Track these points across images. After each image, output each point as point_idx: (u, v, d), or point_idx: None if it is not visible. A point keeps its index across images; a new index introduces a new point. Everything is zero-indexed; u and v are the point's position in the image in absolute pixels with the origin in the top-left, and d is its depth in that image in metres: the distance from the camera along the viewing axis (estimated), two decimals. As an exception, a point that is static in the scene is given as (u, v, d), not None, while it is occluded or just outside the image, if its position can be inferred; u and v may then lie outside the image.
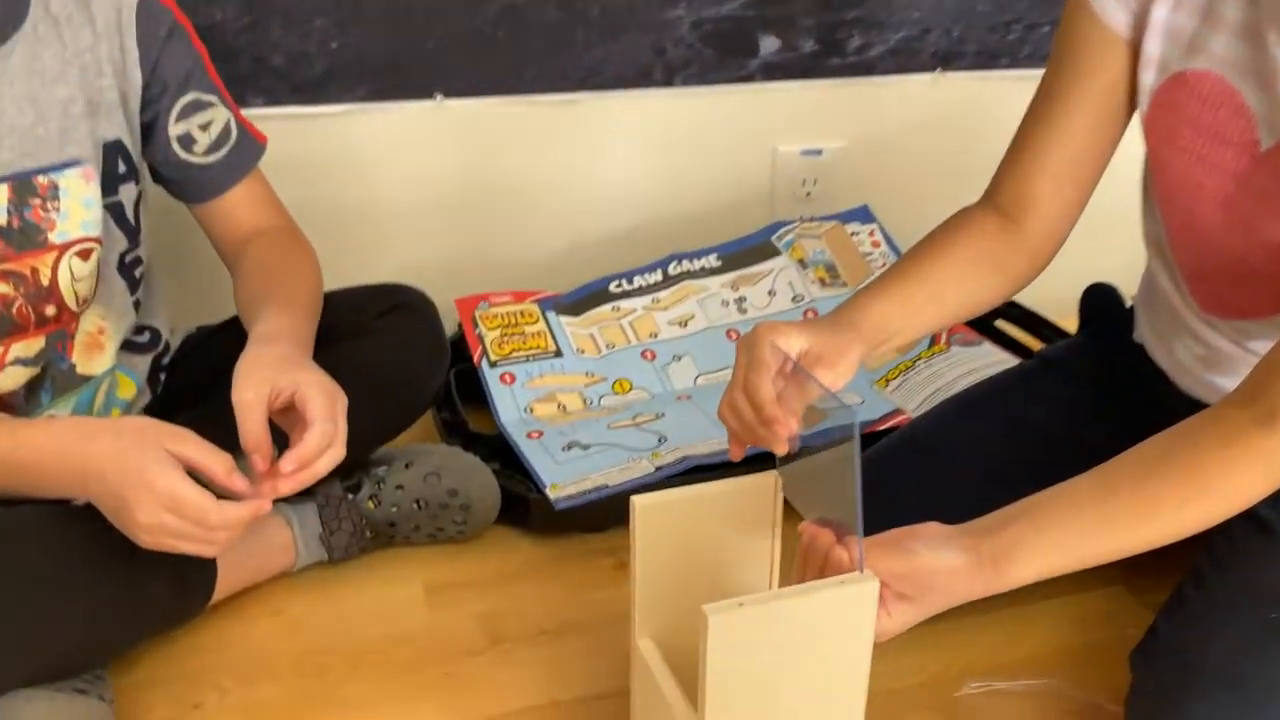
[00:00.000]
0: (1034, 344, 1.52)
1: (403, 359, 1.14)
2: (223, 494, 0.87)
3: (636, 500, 0.83)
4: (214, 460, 0.87)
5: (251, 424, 0.89)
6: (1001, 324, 1.57)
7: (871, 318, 0.93)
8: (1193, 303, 1.01)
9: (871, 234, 1.61)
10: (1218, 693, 0.82)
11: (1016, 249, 1.01)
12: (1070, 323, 1.52)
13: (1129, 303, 1.18)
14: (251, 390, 0.90)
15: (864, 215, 1.63)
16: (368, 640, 1.08)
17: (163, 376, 1.16)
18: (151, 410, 1.13)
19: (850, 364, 0.89)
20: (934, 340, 1.48)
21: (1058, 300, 1.36)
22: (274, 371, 0.91)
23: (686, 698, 0.82)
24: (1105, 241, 1.34)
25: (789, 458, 0.84)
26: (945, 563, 0.79)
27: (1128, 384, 1.11)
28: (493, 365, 1.39)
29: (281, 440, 0.92)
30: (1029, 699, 1.01)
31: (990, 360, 1.40)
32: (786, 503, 0.88)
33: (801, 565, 0.81)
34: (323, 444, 0.89)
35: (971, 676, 1.03)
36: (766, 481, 0.87)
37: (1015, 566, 0.79)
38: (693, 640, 0.89)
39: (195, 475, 0.86)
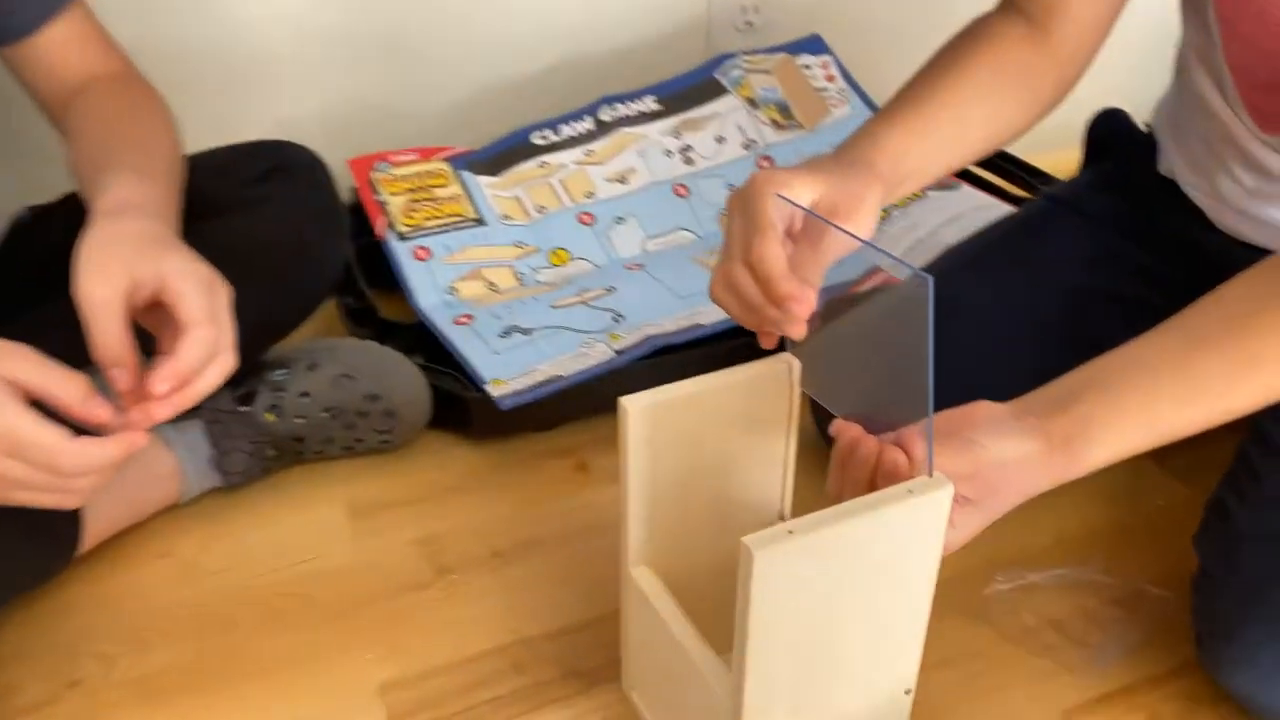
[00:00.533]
0: (1008, 188, 1.36)
1: (291, 233, 0.92)
2: (82, 428, 0.65)
3: (628, 404, 0.65)
4: (63, 384, 0.64)
5: (106, 330, 0.66)
6: (976, 170, 1.40)
7: (888, 153, 0.74)
8: (1249, 122, 0.86)
9: (825, 67, 1.41)
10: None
11: (1045, 61, 0.83)
12: (1043, 160, 1.37)
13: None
14: (102, 285, 0.66)
15: (815, 46, 1.42)
16: (283, 582, 0.89)
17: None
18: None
19: (871, 212, 0.71)
20: (908, 186, 1.31)
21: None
22: (130, 257, 0.68)
23: (700, 636, 0.66)
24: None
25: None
26: (1013, 453, 0.64)
27: (1157, 226, 0.97)
28: (402, 238, 1.16)
29: (149, 346, 0.70)
30: (1065, 589, 0.89)
31: (973, 204, 1.24)
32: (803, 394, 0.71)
33: (840, 474, 0.65)
34: (204, 353, 0.67)
35: (998, 569, 0.90)
36: (778, 369, 0.69)
37: (1092, 449, 0.65)
38: (695, 564, 0.73)
39: (42, 406, 0.64)
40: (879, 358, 0.64)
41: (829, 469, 0.66)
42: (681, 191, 1.28)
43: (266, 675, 0.81)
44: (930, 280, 0.54)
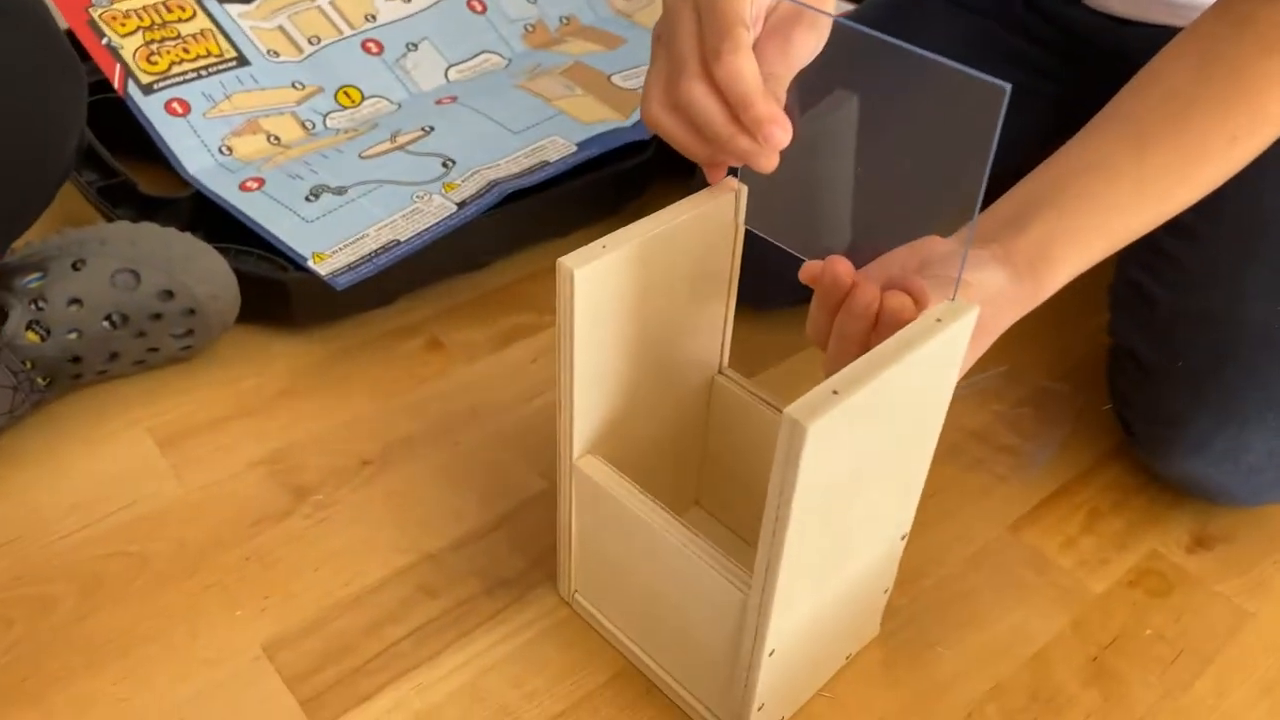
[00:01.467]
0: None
1: (11, 92, 0.68)
2: None
3: (570, 265, 0.52)
4: None
5: None
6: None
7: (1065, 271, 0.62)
8: None
9: None
10: (1261, 356, 0.69)
11: None
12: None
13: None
14: None
15: None
16: (97, 539, 0.70)
17: None
18: None
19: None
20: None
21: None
22: None
23: (696, 533, 0.56)
24: None
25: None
26: (992, 286, 0.57)
27: (1029, 7, 0.91)
28: (147, 91, 0.92)
29: None
30: (972, 397, 0.86)
31: None
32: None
33: (825, 321, 0.54)
34: None
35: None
36: (723, 202, 0.58)
37: (1055, 269, 0.59)
38: (636, 437, 0.63)
39: None
40: (885, 175, 0.54)
41: (810, 316, 0.56)
42: (477, 7, 1.10)
43: (112, 661, 0.63)
44: (1008, 89, 0.43)
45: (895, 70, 0.49)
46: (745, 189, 0.58)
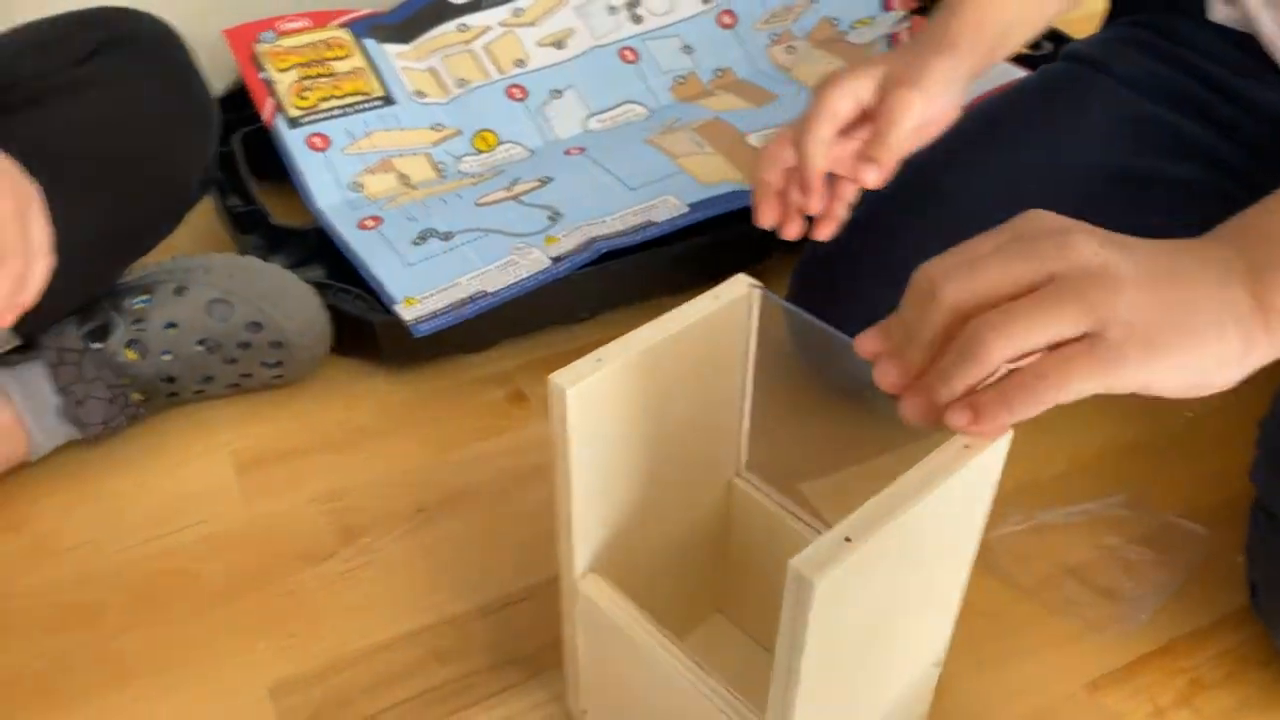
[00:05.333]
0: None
1: (135, 121, 0.73)
2: None
3: (561, 383, 0.48)
4: None
5: None
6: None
7: (966, 14, 0.68)
8: None
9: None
10: None
11: None
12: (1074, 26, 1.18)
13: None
14: None
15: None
16: (159, 555, 0.74)
17: None
18: None
19: (940, 79, 0.65)
20: (892, 41, 1.13)
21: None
22: None
23: (688, 657, 0.52)
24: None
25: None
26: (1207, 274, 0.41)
27: (1210, 87, 0.79)
28: (293, 124, 0.97)
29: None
30: (1082, 528, 0.76)
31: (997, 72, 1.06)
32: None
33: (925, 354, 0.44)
34: None
35: (1004, 508, 0.77)
36: (738, 295, 0.54)
37: None
38: (646, 548, 0.59)
39: None
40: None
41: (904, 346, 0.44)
42: (629, 56, 1.09)
43: (136, 679, 0.66)
44: None
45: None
46: (759, 293, 0.54)
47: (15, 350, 0.77)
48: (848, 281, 0.76)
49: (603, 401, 0.50)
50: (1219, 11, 0.79)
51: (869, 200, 0.74)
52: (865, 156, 0.65)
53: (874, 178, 0.66)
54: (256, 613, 0.70)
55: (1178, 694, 0.66)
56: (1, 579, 0.72)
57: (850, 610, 0.43)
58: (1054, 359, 0.39)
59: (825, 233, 0.70)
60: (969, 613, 0.69)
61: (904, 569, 0.46)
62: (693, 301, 0.53)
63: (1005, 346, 0.39)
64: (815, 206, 0.67)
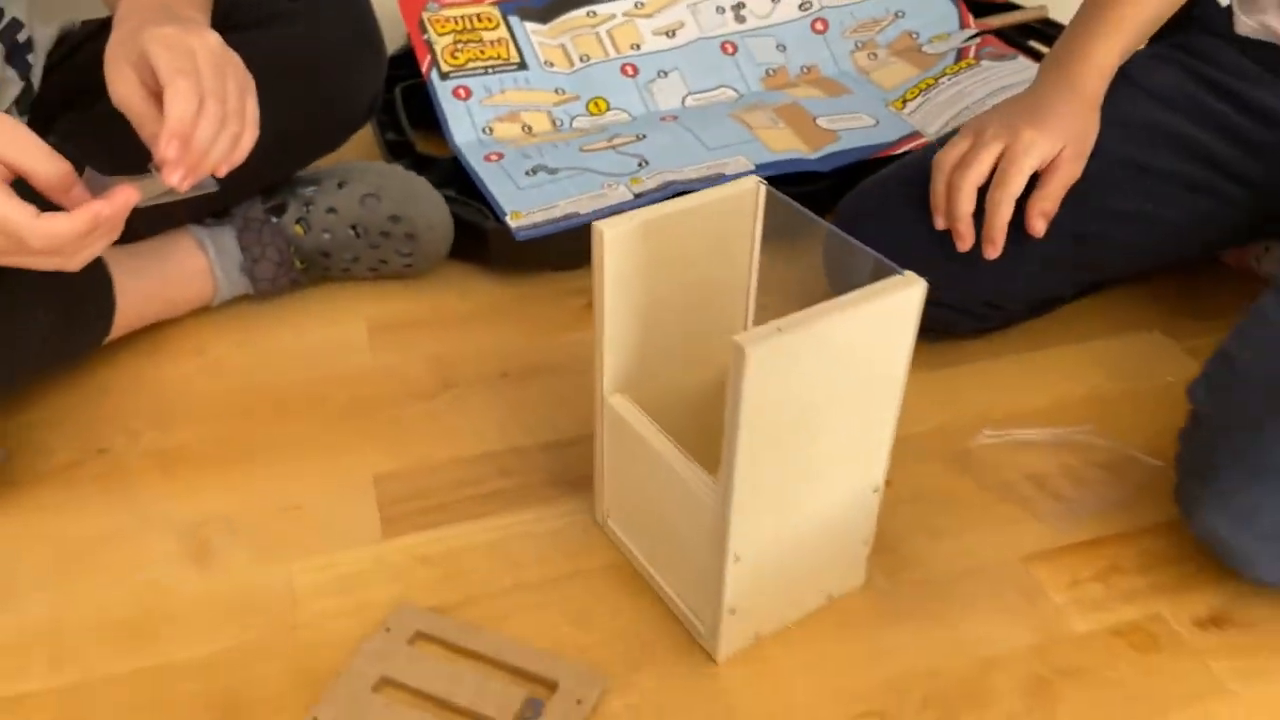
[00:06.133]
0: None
1: (325, 49, 0.94)
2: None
3: (603, 228, 0.66)
4: (44, 166, 0.65)
5: (139, 118, 0.70)
6: (1035, 44, 1.36)
7: (1093, 62, 0.88)
8: None
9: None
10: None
11: None
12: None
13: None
14: (118, 84, 0.69)
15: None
16: (300, 383, 0.95)
17: (31, 63, 0.96)
18: (34, 111, 0.94)
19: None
20: (960, 55, 1.28)
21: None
22: (130, 49, 0.70)
23: (683, 451, 0.68)
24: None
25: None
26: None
27: (1230, 99, 0.90)
28: (444, 77, 1.19)
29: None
30: (1052, 448, 0.89)
31: (1028, 76, 1.21)
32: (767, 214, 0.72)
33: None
34: (187, 104, 0.68)
35: (987, 425, 0.91)
36: (747, 190, 0.71)
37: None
38: (667, 393, 0.76)
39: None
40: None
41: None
42: (729, 49, 1.27)
43: (274, 457, 0.87)
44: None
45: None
46: (763, 187, 0.71)
47: (213, 216, 0.99)
48: (881, 213, 0.93)
49: (633, 250, 0.68)
50: (1243, 25, 0.90)
51: (885, 179, 0.94)
52: (1040, 212, 0.86)
53: (1041, 226, 0.87)
54: (369, 428, 0.90)
55: (1095, 572, 0.78)
56: (184, 384, 0.94)
57: (780, 384, 0.58)
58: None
59: (993, 252, 0.87)
60: (933, 496, 0.84)
61: (829, 369, 0.61)
62: (712, 189, 0.70)
63: (1008, 190, 0.84)
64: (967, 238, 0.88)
